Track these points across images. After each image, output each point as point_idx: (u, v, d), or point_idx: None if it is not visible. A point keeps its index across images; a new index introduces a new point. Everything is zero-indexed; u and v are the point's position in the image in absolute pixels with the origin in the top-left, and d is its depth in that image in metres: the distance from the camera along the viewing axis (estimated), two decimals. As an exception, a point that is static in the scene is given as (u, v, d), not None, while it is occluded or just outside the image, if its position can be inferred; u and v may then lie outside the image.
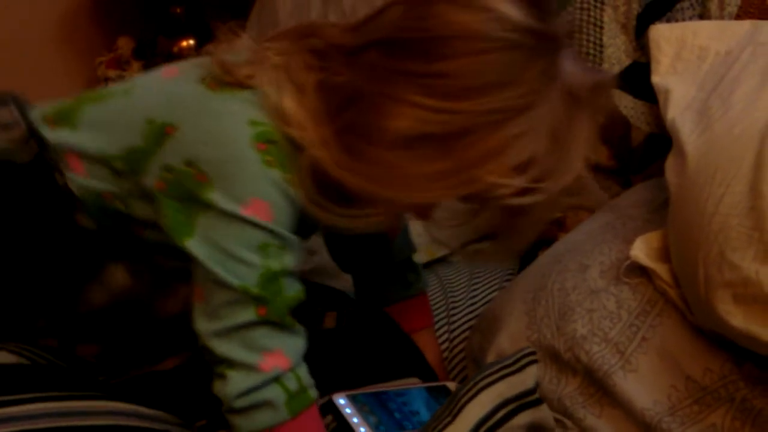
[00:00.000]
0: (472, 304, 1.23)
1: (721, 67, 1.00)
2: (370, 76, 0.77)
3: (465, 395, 0.80)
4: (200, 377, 0.84)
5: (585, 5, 1.31)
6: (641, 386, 0.82)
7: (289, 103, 0.79)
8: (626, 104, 1.26)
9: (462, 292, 1.27)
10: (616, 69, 1.28)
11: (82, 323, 0.92)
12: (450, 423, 0.78)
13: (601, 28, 1.30)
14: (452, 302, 1.24)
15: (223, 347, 0.78)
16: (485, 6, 0.76)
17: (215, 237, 0.78)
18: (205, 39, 2.33)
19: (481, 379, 0.81)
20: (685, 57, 1.09)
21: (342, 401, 0.89)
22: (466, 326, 1.17)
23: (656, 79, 1.09)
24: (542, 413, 0.81)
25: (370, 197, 0.78)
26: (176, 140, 0.80)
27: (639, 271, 0.89)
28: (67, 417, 0.77)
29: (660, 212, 1.01)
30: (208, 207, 0.77)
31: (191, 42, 2.34)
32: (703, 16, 1.20)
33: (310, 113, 0.79)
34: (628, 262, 0.90)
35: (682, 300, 0.84)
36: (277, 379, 0.79)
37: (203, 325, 0.79)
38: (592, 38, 1.30)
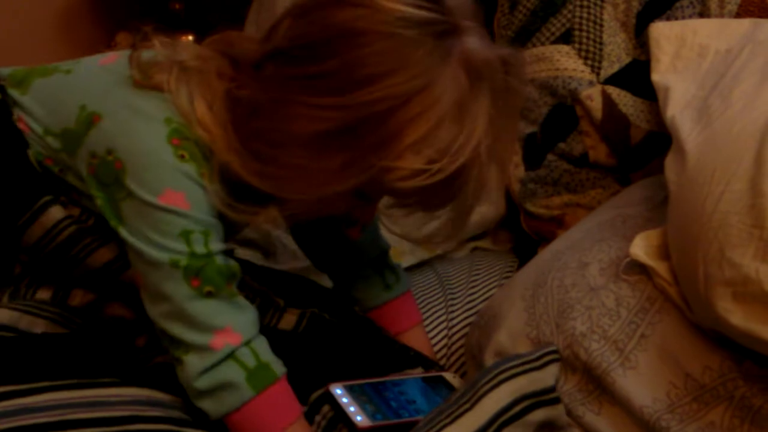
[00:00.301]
0: (470, 301, 1.23)
1: (720, 65, 1.01)
2: (268, 86, 0.82)
3: (485, 384, 0.81)
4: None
5: (585, 3, 1.31)
6: (640, 384, 0.82)
7: (200, 108, 0.83)
8: (626, 102, 1.26)
9: (461, 289, 1.28)
10: (616, 67, 1.28)
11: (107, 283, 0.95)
12: (469, 410, 0.80)
13: (601, 26, 1.31)
14: (451, 298, 1.24)
15: (174, 329, 0.81)
16: (362, 2, 0.79)
17: (139, 224, 0.82)
18: (204, 35, 2.33)
19: (503, 371, 0.82)
20: (685, 55, 1.09)
21: (339, 391, 0.90)
22: (465, 322, 1.17)
23: (656, 77, 1.09)
24: (557, 412, 0.82)
25: (281, 197, 0.82)
26: (100, 129, 0.84)
27: (638, 268, 0.89)
28: (83, 408, 0.78)
29: (659, 210, 1.01)
30: (130, 194, 0.81)
31: (190, 38, 2.33)
32: (703, 14, 1.20)
33: (219, 120, 0.83)
34: (628, 259, 0.90)
35: (682, 298, 0.84)
36: (231, 356, 0.80)
37: (150, 309, 0.83)
38: (591, 36, 1.30)
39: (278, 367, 0.84)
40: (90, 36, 2.36)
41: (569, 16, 1.32)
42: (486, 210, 1.39)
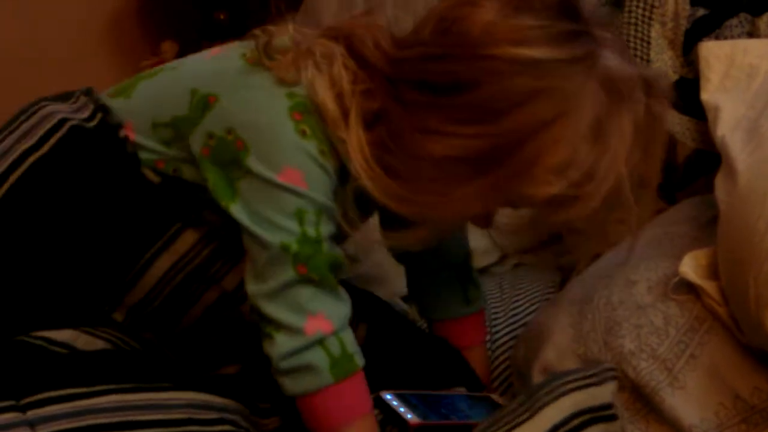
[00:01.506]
0: (514, 315, 1.23)
1: (771, 85, 1.01)
2: (411, 112, 0.80)
3: (545, 396, 0.82)
4: (261, 382, 0.87)
5: (633, 20, 1.32)
6: (689, 403, 0.82)
7: (329, 101, 0.83)
8: (672, 120, 1.26)
9: (503, 305, 1.28)
10: (663, 84, 1.28)
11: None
12: (527, 420, 0.80)
13: (648, 43, 1.31)
14: (494, 314, 1.25)
15: (270, 308, 0.82)
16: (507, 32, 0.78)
17: (254, 202, 0.83)
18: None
19: (562, 384, 0.82)
20: (734, 75, 1.09)
21: (389, 396, 0.91)
22: (507, 338, 1.18)
23: (705, 96, 1.09)
24: (615, 428, 0.82)
25: (418, 220, 0.83)
26: (218, 109, 0.85)
27: (687, 287, 0.89)
28: (142, 410, 0.80)
29: (706, 229, 1.01)
30: (248, 173, 0.82)
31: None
32: (752, 34, 1.20)
33: (346, 116, 0.83)
34: (677, 278, 0.90)
35: (731, 318, 0.84)
36: (320, 343, 0.82)
37: (252, 286, 0.84)
38: (639, 53, 1.30)
39: (359, 359, 0.85)
40: (136, 45, 2.40)
41: (617, 33, 1.33)
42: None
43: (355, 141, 0.82)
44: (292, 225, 0.82)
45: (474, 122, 0.78)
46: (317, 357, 0.82)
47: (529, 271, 1.39)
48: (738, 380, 0.81)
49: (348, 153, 0.82)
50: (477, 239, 1.34)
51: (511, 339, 1.16)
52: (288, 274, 0.82)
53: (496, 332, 1.20)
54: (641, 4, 1.32)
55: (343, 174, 0.85)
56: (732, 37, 1.21)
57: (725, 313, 0.85)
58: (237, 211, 0.83)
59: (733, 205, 0.87)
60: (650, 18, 1.31)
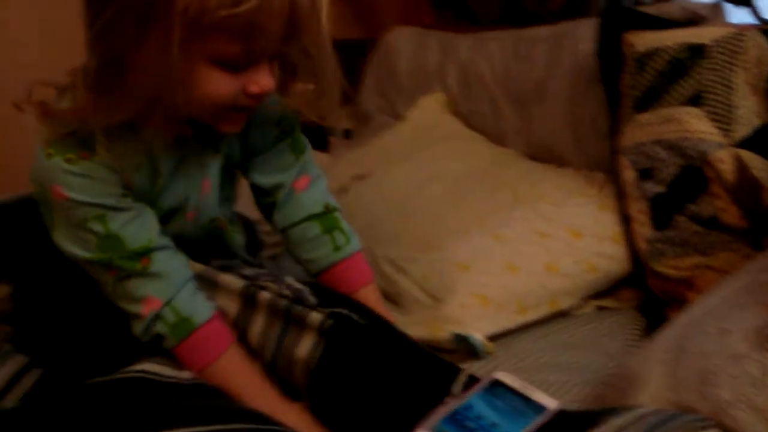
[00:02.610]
0: (598, 359, 1.24)
1: None
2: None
3: None
4: None
5: (714, 66, 1.33)
6: (789, 455, 0.82)
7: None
8: (757, 165, 1.26)
9: (585, 348, 1.29)
10: (747, 130, 1.29)
11: None
12: None
13: (731, 88, 1.32)
14: (576, 357, 1.25)
15: (120, 304, 1.00)
16: None
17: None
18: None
19: (661, 423, 0.84)
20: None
21: None
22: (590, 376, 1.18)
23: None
24: None
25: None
26: None
27: (783, 337, 0.90)
28: None
29: (798, 277, 1.01)
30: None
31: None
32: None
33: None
34: (772, 329, 0.90)
35: (831, 370, 0.84)
36: (157, 318, 0.99)
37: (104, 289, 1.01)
38: (721, 99, 1.32)
39: (198, 317, 1.00)
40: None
41: (698, 78, 1.34)
42: (608, 265, 1.41)
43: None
44: (84, 234, 0.96)
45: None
46: (160, 328, 0.99)
47: (611, 314, 1.40)
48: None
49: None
50: (557, 280, 1.37)
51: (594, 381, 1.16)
52: (108, 278, 0.99)
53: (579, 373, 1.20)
54: (724, 51, 1.33)
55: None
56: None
57: (824, 365, 0.85)
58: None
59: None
60: (733, 64, 1.32)
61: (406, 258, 1.42)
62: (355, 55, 2.30)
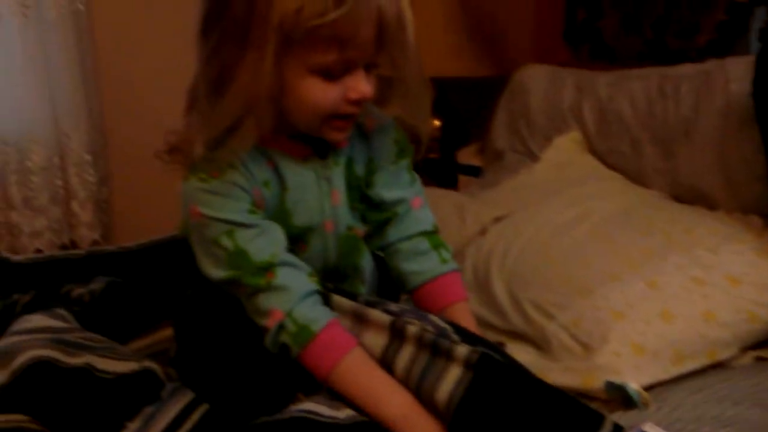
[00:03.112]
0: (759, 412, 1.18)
1: None
2: None
3: None
4: None
5: None
6: None
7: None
8: None
9: (746, 400, 1.23)
10: None
11: None
12: None
13: None
14: (736, 410, 1.20)
15: (254, 319, 1.04)
16: None
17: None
18: (451, 121, 2.42)
19: None
20: None
21: None
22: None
23: None
24: None
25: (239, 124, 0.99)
26: None
27: None
28: None
29: None
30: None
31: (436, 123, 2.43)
32: None
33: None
34: None
35: None
36: (281, 328, 1.02)
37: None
38: None
39: (316, 325, 1.02)
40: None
41: None
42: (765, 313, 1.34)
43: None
44: (216, 249, 1.03)
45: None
46: (284, 338, 1.02)
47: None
48: None
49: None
50: (715, 330, 1.31)
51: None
52: (241, 294, 1.04)
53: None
54: None
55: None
56: None
57: None
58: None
59: None
60: None
61: (554, 303, 1.39)
62: (486, 93, 2.29)
